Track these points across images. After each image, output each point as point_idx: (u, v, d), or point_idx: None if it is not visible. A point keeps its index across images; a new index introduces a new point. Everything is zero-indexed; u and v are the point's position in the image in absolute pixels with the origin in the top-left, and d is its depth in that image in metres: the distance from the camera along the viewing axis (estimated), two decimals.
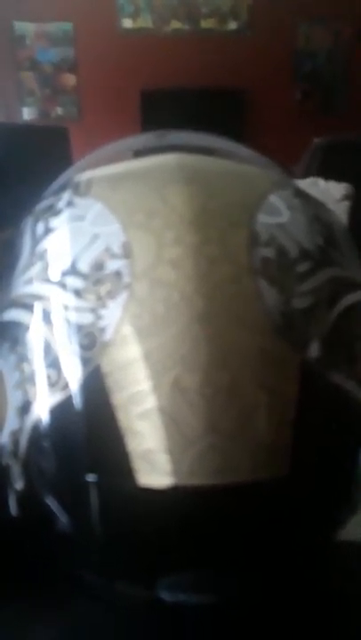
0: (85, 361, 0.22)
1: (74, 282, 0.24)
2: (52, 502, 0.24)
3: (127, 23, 2.99)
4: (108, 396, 0.22)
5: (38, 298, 0.24)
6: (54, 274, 0.24)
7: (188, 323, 0.22)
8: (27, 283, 0.25)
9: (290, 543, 0.24)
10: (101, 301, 0.23)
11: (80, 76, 3.06)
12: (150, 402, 0.21)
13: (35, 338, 0.24)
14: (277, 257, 0.24)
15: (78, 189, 0.27)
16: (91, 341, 0.23)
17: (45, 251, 0.25)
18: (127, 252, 0.23)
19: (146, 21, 3.00)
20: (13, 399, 0.24)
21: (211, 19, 3.02)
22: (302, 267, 0.24)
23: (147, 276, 0.23)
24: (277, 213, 0.26)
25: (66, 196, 0.27)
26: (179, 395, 0.21)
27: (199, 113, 2.88)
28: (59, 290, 0.24)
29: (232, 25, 3.04)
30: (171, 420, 0.21)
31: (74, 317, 0.23)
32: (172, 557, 0.23)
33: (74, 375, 0.23)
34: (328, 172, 1.82)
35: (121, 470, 0.22)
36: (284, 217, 0.26)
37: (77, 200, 0.27)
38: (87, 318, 0.23)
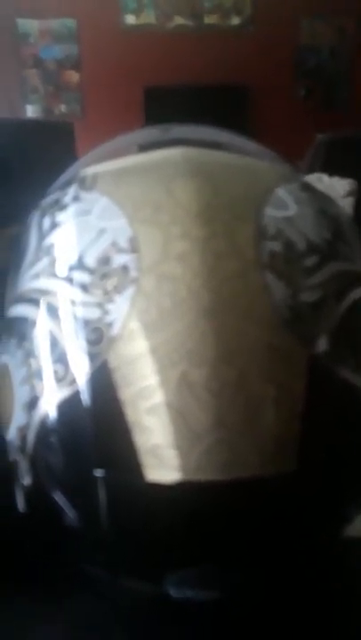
0: (93, 356, 0.22)
1: (80, 276, 0.24)
2: (59, 497, 0.24)
3: (130, 19, 2.98)
4: (115, 391, 0.22)
5: (45, 293, 0.24)
6: (61, 269, 0.24)
7: (196, 317, 0.22)
8: (33, 278, 0.25)
9: (297, 539, 0.24)
10: (108, 296, 0.23)
11: (83, 73, 3.06)
12: (158, 397, 0.21)
13: (42, 333, 0.24)
14: (285, 251, 0.24)
15: (84, 184, 0.27)
16: (98, 336, 0.22)
17: (52, 245, 0.25)
18: (134, 247, 0.23)
19: (149, 17, 2.98)
20: (20, 395, 0.24)
21: (214, 14, 3.01)
22: (310, 260, 0.24)
23: (154, 270, 0.23)
24: (285, 207, 0.25)
25: (72, 190, 0.27)
26: (186, 389, 0.21)
27: (202, 109, 2.87)
28: (65, 285, 0.24)
29: (235, 20, 3.03)
30: (178, 415, 0.21)
31: (81, 312, 0.23)
32: (179, 553, 0.23)
33: (81, 370, 0.22)
34: (332, 168, 1.81)
35: (129, 465, 0.22)
36: (292, 210, 0.25)
37: (83, 194, 0.26)
38: (94, 313, 0.23)
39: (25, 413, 0.24)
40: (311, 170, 1.97)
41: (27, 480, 0.25)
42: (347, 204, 1.69)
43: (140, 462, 0.21)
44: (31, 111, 3.09)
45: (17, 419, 0.25)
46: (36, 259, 0.26)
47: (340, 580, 0.33)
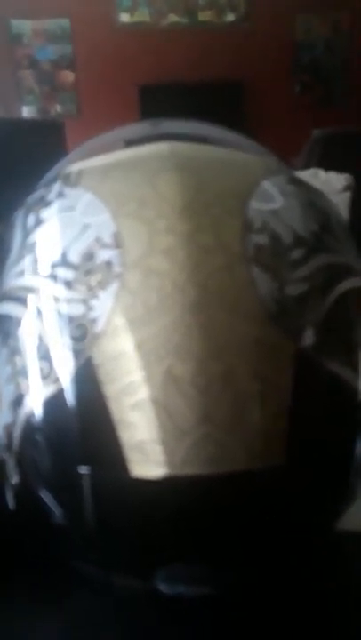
0: (77, 353, 0.22)
1: (64, 273, 0.23)
2: (45, 495, 0.24)
3: (125, 17, 2.98)
4: (100, 388, 0.22)
5: (29, 290, 0.24)
6: (45, 265, 0.24)
7: (181, 312, 0.21)
8: (18, 275, 0.25)
9: (287, 533, 0.24)
10: (92, 292, 0.23)
11: (79, 73, 3.05)
12: (143, 392, 0.21)
13: (26, 331, 0.24)
14: (271, 244, 0.24)
15: (68, 180, 0.27)
16: (82, 333, 0.22)
17: (36, 243, 0.25)
18: (118, 242, 0.23)
19: (143, 15, 2.98)
20: (6, 393, 0.24)
21: (208, 11, 3.01)
22: (296, 253, 0.24)
23: (138, 265, 0.22)
24: (271, 200, 0.25)
25: (56, 187, 0.27)
26: (172, 385, 0.21)
27: (198, 106, 2.86)
28: (49, 282, 0.24)
29: (230, 17, 3.02)
30: (164, 411, 0.21)
31: (65, 309, 0.23)
32: (167, 548, 0.23)
33: (66, 367, 0.22)
34: (328, 164, 1.81)
35: (114, 461, 0.21)
36: (278, 203, 0.25)
37: (67, 191, 0.26)
38: (78, 309, 0.23)
39: (11, 411, 0.24)
40: (307, 165, 1.97)
41: (15, 478, 0.25)
42: (344, 199, 1.69)
43: (125, 458, 0.21)
44: (27, 112, 3.09)
45: (3, 417, 0.25)
46: (21, 256, 0.26)
47: (336, 574, 0.32)
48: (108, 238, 0.23)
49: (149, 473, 0.21)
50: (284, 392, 0.22)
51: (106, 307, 0.22)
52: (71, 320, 0.23)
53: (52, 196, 0.27)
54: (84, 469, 0.22)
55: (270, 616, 0.29)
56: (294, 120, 3.08)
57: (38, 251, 0.25)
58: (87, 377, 0.22)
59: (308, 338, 0.23)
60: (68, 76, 3.06)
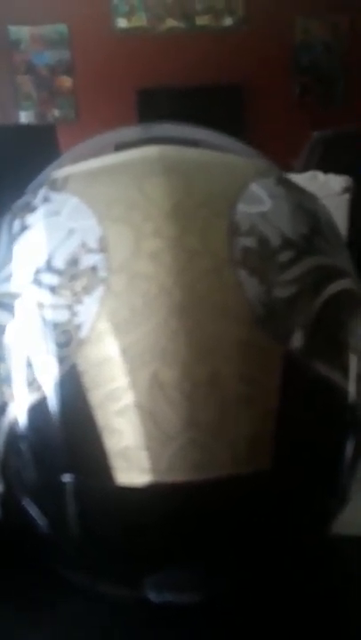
0: (62, 359, 0.22)
1: (49, 279, 0.23)
2: (30, 505, 0.23)
3: (122, 23, 2.99)
4: (85, 395, 0.21)
5: (14, 296, 0.24)
6: (30, 271, 0.24)
7: (167, 316, 0.21)
8: (3, 281, 0.25)
9: (277, 537, 0.24)
10: (77, 297, 0.22)
11: (76, 78, 3.06)
12: (128, 398, 0.21)
13: (11, 338, 0.24)
14: (258, 246, 0.23)
15: (55, 185, 0.27)
16: (67, 339, 0.22)
17: (21, 248, 0.25)
18: (103, 246, 0.23)
19: (141, 20, 2.99)
20: None
21: (206, 15, 3.01)
22: (284, 256, 0.24)
23: (124, 269, 0.22)
24: (259, 202, 0.25)
25: (42, 192, 0.27)
26: (157, 390, 0.21)
27: (197, 110, 2.87)
28: (34, 288, 0.23)
29: (228, 21, 3.03)
30: (149, 416, 0.21)
31: (50, 315, 0.23)
32: (154, 556, 0.22)
33: (50, 374, 0.22)
34: (328, 165, 1.81)
35: (99, 469, 0.21)
36: (266, 205, 0.25)
37: (53, 195, 0.26)
38: (63, 315, 0.22)
39: None
40: (307, 167, 1.97)
41: (0, 487, 0.25)
42: (343, 201, 1.69)
43: (110, 465, 0.21)
44: (25, 117, 3.09)
45: None
46: (6, 262, 0.25)
47: (333, 579, 0.32)
48: (93, 243, 0.23)
49: (134, 480, 0.21)
50: (272, 395, 0.22)
51: (90, 312, 0.22)
52: (56, 326, 0.22)
53: (37, 201, 0.27)
54: (67, 478, 0.22)
55: (264, 621, 0.29)
56: (294, 122, 3.09)
57: (23, 256, 0.25)
58: (72, 384, 0.22)
59: (297, 340, 0.22)
60: (66, 81, 3.07)
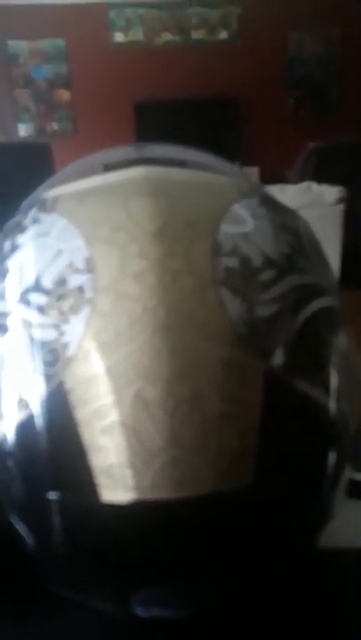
0: (49, 377, 0.22)
1: (37, 298, 0.24)
2: (17, 522, 0.24)
3: (119, 37, 3.03)
4: (71, 413, 0.22)
5: (4, 315, 0.25)
6: (19, 291, 0.25)
7: (151, 335, 0.22)
8: None
9: (262, 552, 0.24)
10: (64, 317, 0.23)
11: (74, 91, 3.10)
12: (113, 416, 0.21)
13: None
14: (240, 266, 0.24)
15: (44, 206, 0.28)
16: (54, 357, 0.23)
17: (11, 268, 0.26)
18: (90, 267, 0.23)
19: (137, 35, 3.03)
20: None
21: (201, 29, 3.05)
22: (266, 275, 0.24)
23: (110, 290, 0.23)
24: (242, 223, 0.26)
25: (32, 213, 0.28)
26: (141, 408, 0.21)
27: (193, 123, 2.90)
28: (23, 307, 0.24)
29: (223, 35, 3.07)
30: (133, 434, 0.21)
31: (37, 334, 0.23)
32: (140, 572, 0.23)
33: (37, 392, 0.23)
34: (323, 177, 1.83)
35: (84, 487, 0.22)
36: (248, 226, 0.26)
37: (43, 216, 0.27)
38: (50, 334, 0.23)
39: None
40: (302, 178, 1.98)
41: None
42: (337, 212, 1.70)
43: (95, 483, 0.21)
44: (23, 130, 3.12)
45: None
46: None
47: (322, 591, 0.32)
48: (80, 263, 0.24)
49: (118, 497, 0.21)
50: (254, 412, 0.22)
51: (77, 331, 0.22)
52: (43, 345, 0.23)
53: (27, 221, 0.27)
54: (53, 495, 0.22)
55: (253, 634, 0.29)
56: (288, 134, 3.12)
57: (13, 276, 0.25)
58: (58, 401, 0.22)
59: (278, 358, 0.23)
60: (64, 95, 3.10)
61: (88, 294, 0.23)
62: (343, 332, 0.27)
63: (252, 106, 3.10)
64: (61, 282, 0.24)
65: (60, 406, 0.22)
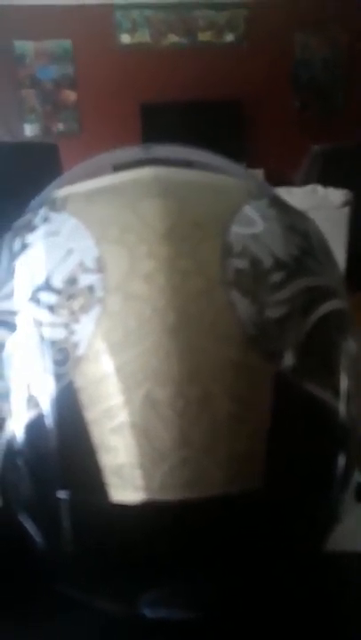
0: (59, 377, 0.22)
1: (48, 297, 0.24)
2: (26, 521, 0.24)
3: (125, 39, 3.04)
4: (81, 412, 0.22)
5: (13, 314, 0.25)
6: (29, 290, 0.25)
7: (160, 336, 0.22)
8: (3, 299, 0.25)
9: (271, 555, 0.24)
10: (74, 316, 0.23)
11: (80, 92, 3.10)
12: (122, 416, 0.21)
13: (9, 354, 0.24)
14: (251, 267, 0.24)
15: (54, 205, 0.28)
16: (64, 357, 0.23)
17: (21, 267, 0.26)
18: (100, 267, 0.23)
19: (144, 36, 3.04)
20: None
21: (208, 31, 3.06)
22: (276, 276, 0.24)
23: (119, 290, 0.23)
24: (251, 224, 0.26)
25: (42, 212, 0.28)
26: (150, 408, 0.21)
27: (199, 124, 2.91)
28: (33, 306, 0.24)
29: (229, 37, 3.08)
30: (142, 435, 0.21)
31: (47, 333, 0.23)
32: (147, 573, 0.23)
33: (47, 391, 0.23)
34: (328, 179, 1.83)
35: (94, 486, 0.22)
36: (259, 227, 0.26)
37: (53, 215, 0.27)
38: (60, 334, 0.23)
39: None
40: (308, 181, 1.99)
41: None
42: (342, 215, 1.70)
43: (104, 483, 0.21)
44: (29, 130, 3.13)
45: None
46: (7, 280, 0.26)
47: (327, 594, 0.32)
48: (90, 263, 0.24)
49: (128, 498, 0.21)
50: (263, 415, 0.22)
51: (87, 331, 0.22)
52: (53, 344, 0.23)
53: (37, 220, 0.27)
54: (62, 494, 0.22)
55: (259, 636, 0.29)
56: (294, 136, 3.12)
57: (23, 275, 0.25)
58: (68, 401, 0.22)
59: (288, 360, 0.23)
60: (70, 95, 3.11)
61: (98, 294, 0.23)
62: (352, 336, 0.27)
63: (257, 108, 3.10)
64: (72, 281, 0.24)
65: (69, 405, 0.22)
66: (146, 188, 0.26)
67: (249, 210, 0.26)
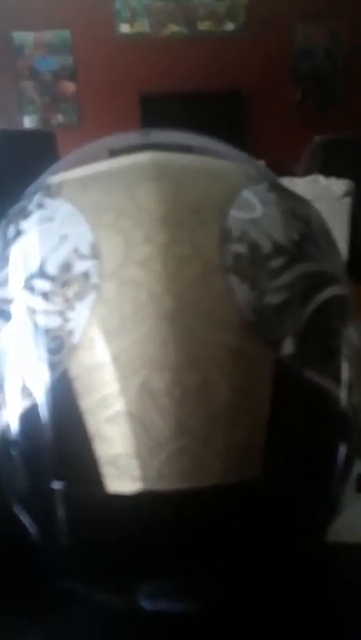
0: (53, 365, 0.22)
1: (42, 284, 0.23)
2: (20, 512, 0.23)
3: (125, 28, 3.01)
4: (76, 401, 0.21)
5: (8, 302, 0.24)
6: (23, 277, 0.24)
7: (157, 322, 0.21)
8: None
9: (270, 545, 0.24)
10: (69, 303, 0.22)
11: (79, 83, 3.08)
12: (118, 405, 0.21)
13: (3, 343, 0.24)
14: (250, 252, 0.23)
15: (49, 191, 0.27)
16: (59, 345, 0.22)
17: (15, 254, 0.25)
18: (95, 253, 0.23)
19: (143, 26, 3.01)
20: None
21: (208, 21, 3.03)
22: (276, 262, 0.24)
23: (115, 276, 0.22)
24: (250, 208, 0.25)
25: (36, 198, 0.27)
26: (147, 397, 0.21)
27: (199, 115, 2.88)
28: (27, 293, 0.23)
29: (229, 26, 3.04)
30: (139, 424, 0.21)
31: (42, 321, 0.23)
32: (145, 564, 0.22)
33: (41, 380, 0.22)
34: (329, 170, 1.81)
35: (89, 477, 0.21)
36: (258, 212, 0.25)
37: (47, 201, 0.26)
38: (55, 321, 0.22)
39: None
40: (309, 171, 1.97)
41: None
42: (344, 205, 1.69)
43: (100, 473, 0.21)
44: (28, 122, 3.11)
45: None
46: (1, 268, 0.25)
47: (326, 585, 0.32)
48: (85, 249, 0.23)
49: (124, 488, 0.21)
50: (262, 402, 0.22)
51: (82, 318, 0.22)
52: (48, 332, 0.22)
53: (32, 207, 0.27)
54: (57, 484, 0.22)
55: (257, 629, 0.29)
56: (295, 127, 3.10)
57: (17, 262, 0.25)
58: (63, 390, 0.22)
59: (288, 347, 0.22)
60: (69, 87, 3.09)
61: (93, 280, 0.22)
62: (353, 324, 0.26)
63: (257, 98, 3.07)
64: (66, 267, 0.23)
65: (64, 395, 0.22)
66: (142, 173, 0.25)
67: (248, 194, 0.26)
